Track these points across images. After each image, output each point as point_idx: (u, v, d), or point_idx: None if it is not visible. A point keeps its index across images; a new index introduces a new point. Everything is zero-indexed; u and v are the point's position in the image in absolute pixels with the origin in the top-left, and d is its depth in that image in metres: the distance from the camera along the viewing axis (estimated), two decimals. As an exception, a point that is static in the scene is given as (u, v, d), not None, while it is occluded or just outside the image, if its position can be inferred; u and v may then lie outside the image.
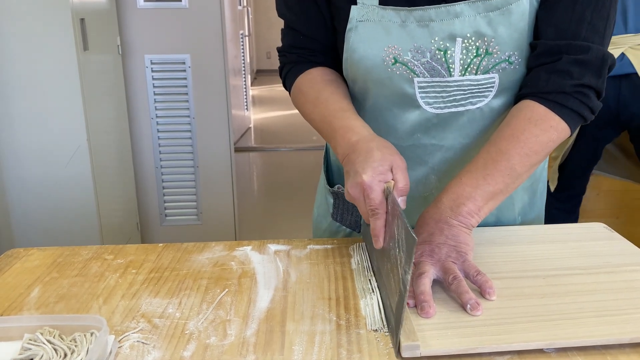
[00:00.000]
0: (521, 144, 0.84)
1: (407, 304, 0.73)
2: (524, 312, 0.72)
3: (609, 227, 0.98)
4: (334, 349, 0.67)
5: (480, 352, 0.65)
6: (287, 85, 1.03)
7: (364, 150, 0.81)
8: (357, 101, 0.98)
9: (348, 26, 0.91)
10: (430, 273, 0.77)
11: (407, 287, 0.64)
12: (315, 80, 0.98)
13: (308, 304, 0.77)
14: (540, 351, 0.66)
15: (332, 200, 1.08)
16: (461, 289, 0.74)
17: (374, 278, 0.83)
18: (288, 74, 1.02)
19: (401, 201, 0.78)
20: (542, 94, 0.86)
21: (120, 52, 2.60)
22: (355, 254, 0.92)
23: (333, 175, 1.13)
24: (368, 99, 0.96)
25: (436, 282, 0.78)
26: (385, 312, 0.74)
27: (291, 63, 1.02)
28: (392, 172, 0.79)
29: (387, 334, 0.70)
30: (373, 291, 0.79)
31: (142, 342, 0.69)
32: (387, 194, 0.77)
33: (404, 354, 0.65)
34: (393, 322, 0.69)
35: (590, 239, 0.94)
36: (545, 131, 0.85)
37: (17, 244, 2.14)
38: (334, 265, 0.88)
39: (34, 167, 2.11)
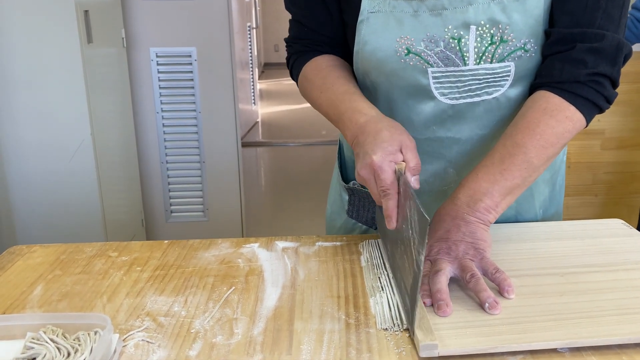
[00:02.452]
0: (537, 137, 0.82)
1: (424, 302, 0.72)
2: (543, 311, 0.70)
3: (627, 224, 0.97)
4: (343, 348, 0.66)
5: (500, 351, 0.64)
6: (294, 75, 1.04)
7: (372, 131, 0.82)
8: (369, 94, 0.97)
9: (359, 18, 0.90)
10: (447, 271, 0.76)
11: (422, 268, 0.64)
12: (321, 67, 0.98)
13: (316, 302, 0.76)
14: (554, 350, 0.65)
15: (347, 197, 1.07)
16: (479, 287, 0.72)
17: (383, 275, 0.82)
18: (294, 64, 1.03)
19: (414, 180, 0.78)
20: (557, 84, 0.85)
21: (125, 45, 2.58)
22: (365, 251, 0.90)
23: (347, 170, 1.11)
24: (381, 92, 0.95)
25: (453, 280, 0.77)
26: (400, 294, 0.74)
27: (297, 53, 1.03)
28: (401, 152, 0.79)
29: (397, 332, 0.69)
30: (383, 289, 0.78)
31: (147, 341, 0.68)
32: (398, 175, 0.77)
33: (422, 354, 0.63)
34: (408, 303, 0.69)
35: (607, 235, 0.93)
36: (561, 122, 0.83)
37: (19, 241, 2.13)
38: (343, 262, 0.87)
39: (37, 162, 2.10)
